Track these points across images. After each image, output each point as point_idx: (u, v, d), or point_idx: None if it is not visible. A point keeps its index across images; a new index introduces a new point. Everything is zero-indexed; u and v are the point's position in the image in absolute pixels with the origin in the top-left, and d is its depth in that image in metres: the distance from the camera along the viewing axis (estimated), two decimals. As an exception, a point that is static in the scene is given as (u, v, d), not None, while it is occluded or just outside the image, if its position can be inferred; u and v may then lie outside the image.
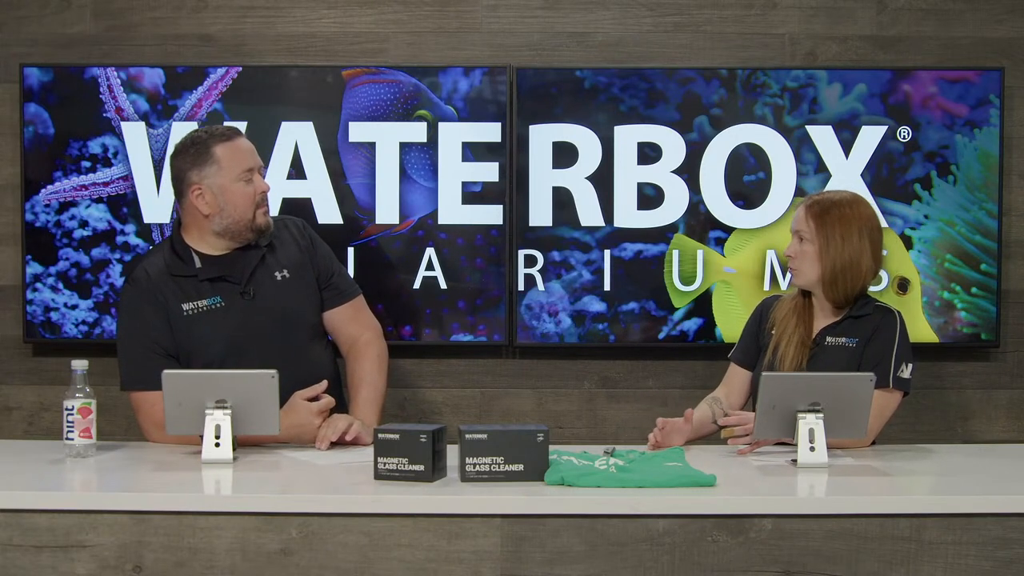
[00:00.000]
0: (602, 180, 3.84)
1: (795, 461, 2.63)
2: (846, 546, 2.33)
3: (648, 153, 3.84)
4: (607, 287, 3.85)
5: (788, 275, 3.17)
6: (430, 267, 3.85)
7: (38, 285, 3.84)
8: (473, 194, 3.85)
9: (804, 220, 3.01)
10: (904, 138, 3.82)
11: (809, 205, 3.03)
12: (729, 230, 3.84)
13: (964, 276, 3.84)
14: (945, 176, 3.83)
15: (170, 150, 3.12)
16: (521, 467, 2.43)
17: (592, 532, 2.33)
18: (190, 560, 2.34)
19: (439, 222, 3.84)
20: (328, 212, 3.83)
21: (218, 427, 2.64)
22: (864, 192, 3.74)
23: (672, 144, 3.84)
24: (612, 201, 3.84)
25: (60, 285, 3.84)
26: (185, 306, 2.98)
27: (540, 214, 3.84)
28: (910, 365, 2.96)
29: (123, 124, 3.83)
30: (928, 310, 3.84)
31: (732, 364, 3.15)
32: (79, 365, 2.71)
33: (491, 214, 3.84)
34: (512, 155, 3.82)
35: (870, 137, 3.82)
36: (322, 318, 3.15)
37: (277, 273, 3.07)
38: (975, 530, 2.34)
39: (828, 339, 3.00)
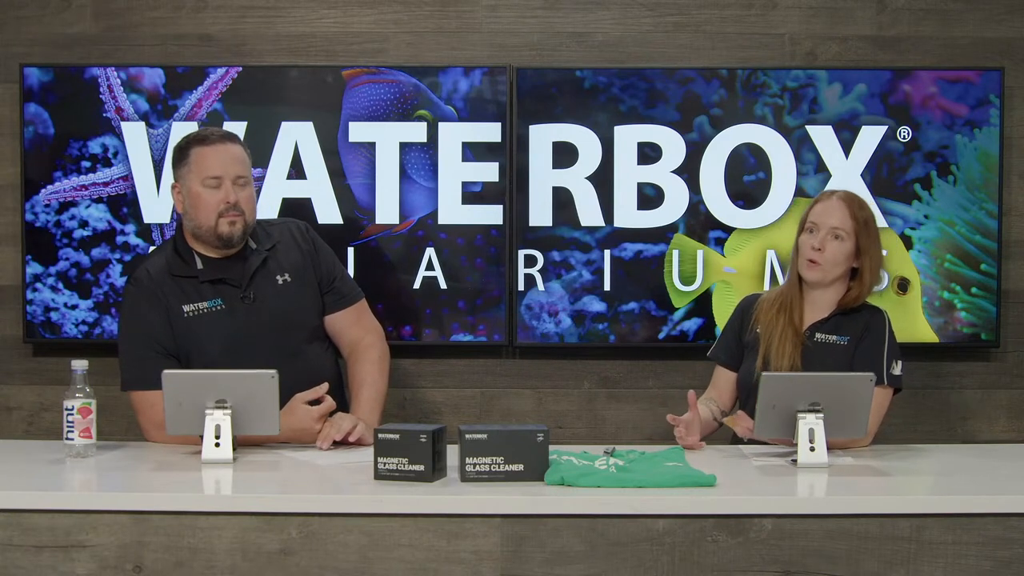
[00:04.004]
0: (602, 180, 3.84)
1: (795, 461, 2.63)
2: (846, 546, 2.33)
3: (648, 153, 3.84)
4: (607, 287, 3.85)
5: (793, 269, 3.05)
6: (430, 267, 3.85)
7: (38, 285, 3.84)
8: (473, 194, 3.84)
9: (846, 218, 2.98)
10: (904, 138, 3.82)
11: (848, 202, 3.00)
12: (729, 230, 3.84)
13: (964, 276, 3.83)
14: (945, 176, 3.83)
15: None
16: (521, 467, 2.43)
17: (592, 532, 2.33)
18: (190, 560, 2.34)
19: (439, 222, 3.84)
20: (328, 212, 3.83)
21: (218, 427, 2.64)
22: (864, 192, 3.73)
23: (672, 144, 3.84)
24: (612, 201, 3.84)
25: (60, 285, 3.84)
26: (186, 307, 2.98)
27: (540, 214, 3.84)
28: (900, 362, 3.00)
29: (123, 124, 3.83)
30: (928, 310, 3.84)
31: (717, 366, 3.14)
32: (79, 365, 2.71)
33: (491, 214, 3.84)
34: (512, 155, 3.82)
35: (870, 137, 3.82)
36: (323, 321, 3.15)
37: (279, 277, 3.07)
38: (975, 530, 2.34)
39: (818, 335, 3.01)
